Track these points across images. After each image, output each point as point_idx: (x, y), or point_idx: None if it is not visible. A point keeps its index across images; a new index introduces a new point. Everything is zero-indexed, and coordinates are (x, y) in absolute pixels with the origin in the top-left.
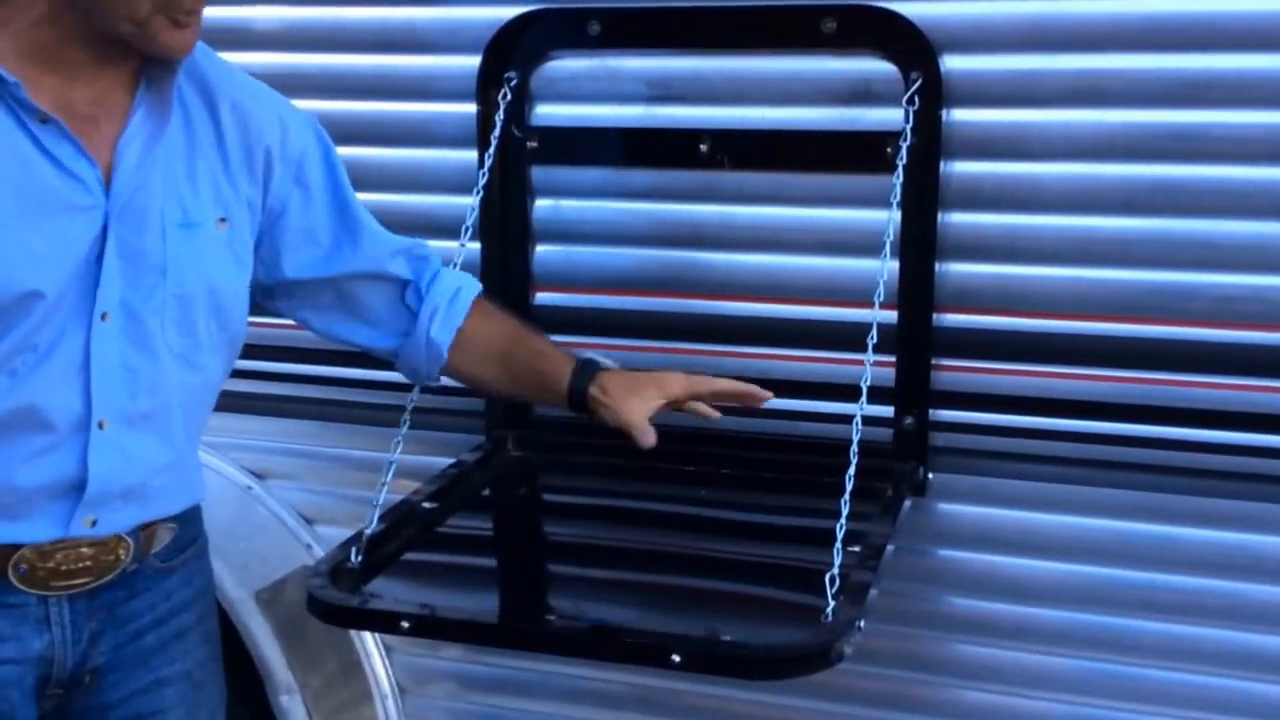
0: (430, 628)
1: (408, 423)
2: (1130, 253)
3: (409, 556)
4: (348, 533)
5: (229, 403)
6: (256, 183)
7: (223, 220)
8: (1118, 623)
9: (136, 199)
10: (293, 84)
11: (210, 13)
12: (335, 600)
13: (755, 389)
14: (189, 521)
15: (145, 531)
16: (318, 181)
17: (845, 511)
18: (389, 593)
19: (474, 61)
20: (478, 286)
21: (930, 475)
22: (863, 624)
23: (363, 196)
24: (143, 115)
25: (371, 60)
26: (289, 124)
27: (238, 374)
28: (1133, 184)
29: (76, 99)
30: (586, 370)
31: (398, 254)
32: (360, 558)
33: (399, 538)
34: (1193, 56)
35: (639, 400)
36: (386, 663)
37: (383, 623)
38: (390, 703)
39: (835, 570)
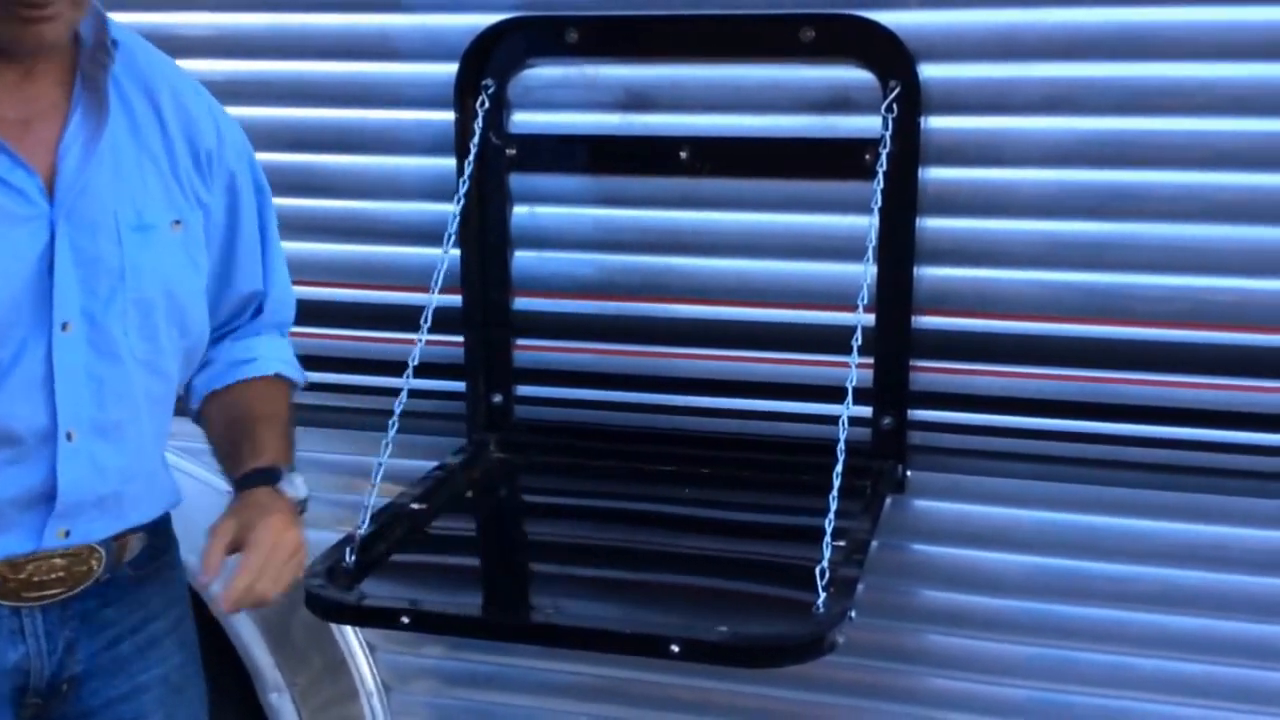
0: (430, 623)
1: (396, 426)
2: (1101, 256)
3: (398, 557)
4: (333, 536)
5: None
6: (204, 182)
7: (177, 222)
8: (1088, 613)
9: (84, 203)
10: (269, 91)
11: (188, 19)
12: (334, 598)
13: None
14: (161, 529)
15: (118, 541)
16: (245, 201)
17: (833, 508)
18: (381, 592)
19: (451, 69)
20: (267, 369)
21: (909, 473)
22: (854, 614)
23: (338, 204)
24: (81, 116)
25: (348, 68)
26: (225, 132)
27: None
28: (1103, 189)
29: (3, 106)
30: (252, 480)
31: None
32: (354, 557)
33: (389, 538)
34: (1160, 65)
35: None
36: (371, 661)
37: (382, 619)
38: (375, 700)
39: (824, 564)
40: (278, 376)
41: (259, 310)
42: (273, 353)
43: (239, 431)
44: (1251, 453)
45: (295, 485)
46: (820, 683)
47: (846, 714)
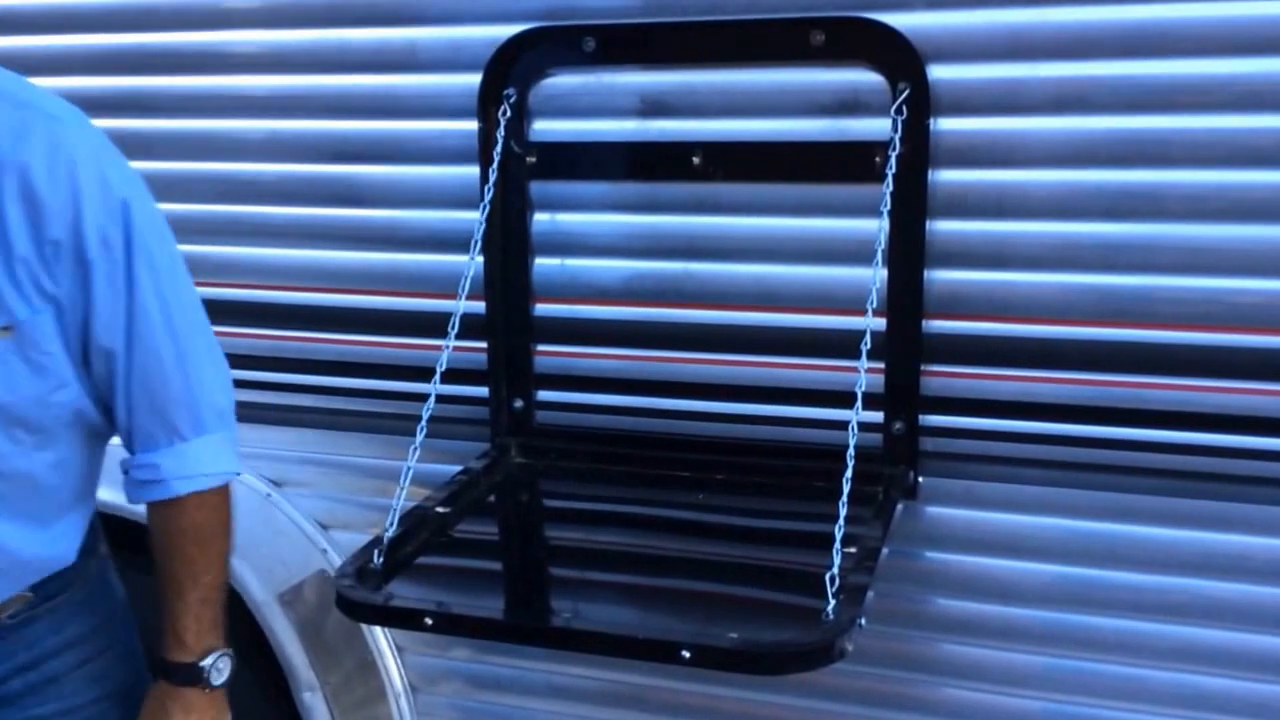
0: (451, 625)
1: (424, 431)
2: (1113, 258)
3: (423, 559)
4: (360, 537)
5: (250, 414)
6: (50, 274)
7: (6, 329)
8: (1102, 623)
9: None
10: (299, 104)
11: (232, 36)
12: (362, 599)
13: None
14: (54, 580)
15: None
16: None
17: (843, 514)
18: (407, 593)
19: (474, 79)
20: (174, 491)
21: (920, 479)
22: (863, 622)
23: (368, 213)
24: None
25: (374, 80)
26: (87, 216)
27: (257, 386)
28: (1116, 189)
29: None
30: (173, 675)
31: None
32: (382, 559)
33: (415, 541)
34: (1171, 63)
35: None
36: (399, 662)
37: (407, 620)
38: (404, 700)
39: (835, 570)
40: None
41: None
42: (181, 466)
43: (159, 589)
44: (1272, 459)
45: (219, 672)
46: (831, 691)
47: None
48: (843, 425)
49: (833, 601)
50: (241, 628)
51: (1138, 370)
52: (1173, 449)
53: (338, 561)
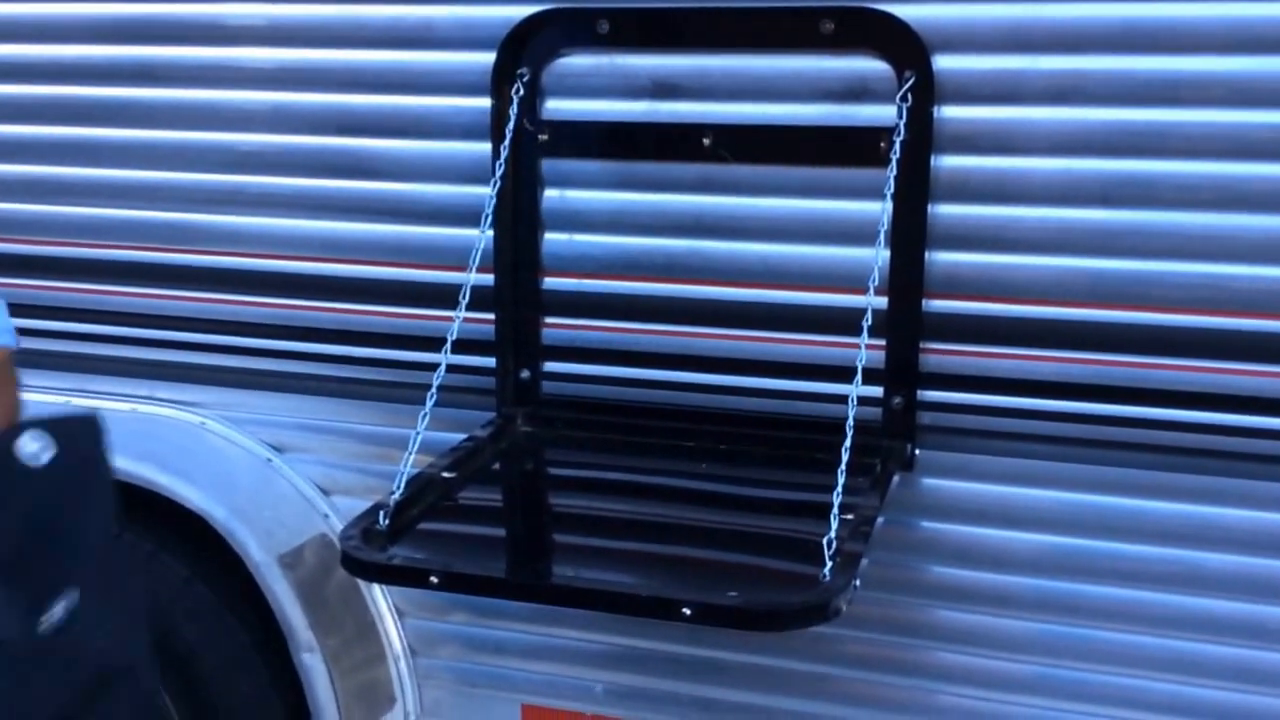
0: (457, 583)
1: (434, 398)
2: (1107, 242)
3: (427, 524)
4: (361, 503)
5: (250, 380)
6: None
7: None
8: (1093, 590)
9: None
10: (316, 79)
11: (241, 9)
12: (368, 559)
13: None
14: None
15: None
16: None
17: (840, 484)
18: (411, 554)
19: (488, 58)
20: None
21: (917, 452)
22: (858, 584)
23: (379, 186)
24: None
25: (390, 56)
26: None
27: (258, 353)
28: (1111, 177)
29: None
30: None
31: None
32: (388, 521)
33: (419, 505)
34: (1166, 58)
35: None
36: (399, 625)
37: (413, 578)
38: (403, 663)
39: (831, 536)
40: None
41: None
42: None
43: None
44: (1258, 436)
45: None
46: (830, 655)
47: (856, 686)
48: (843, 399)
49: (829, 564)
50: (240, 589)
51: (1129, 350)
52: (1162, 425)
53: (338, 526)
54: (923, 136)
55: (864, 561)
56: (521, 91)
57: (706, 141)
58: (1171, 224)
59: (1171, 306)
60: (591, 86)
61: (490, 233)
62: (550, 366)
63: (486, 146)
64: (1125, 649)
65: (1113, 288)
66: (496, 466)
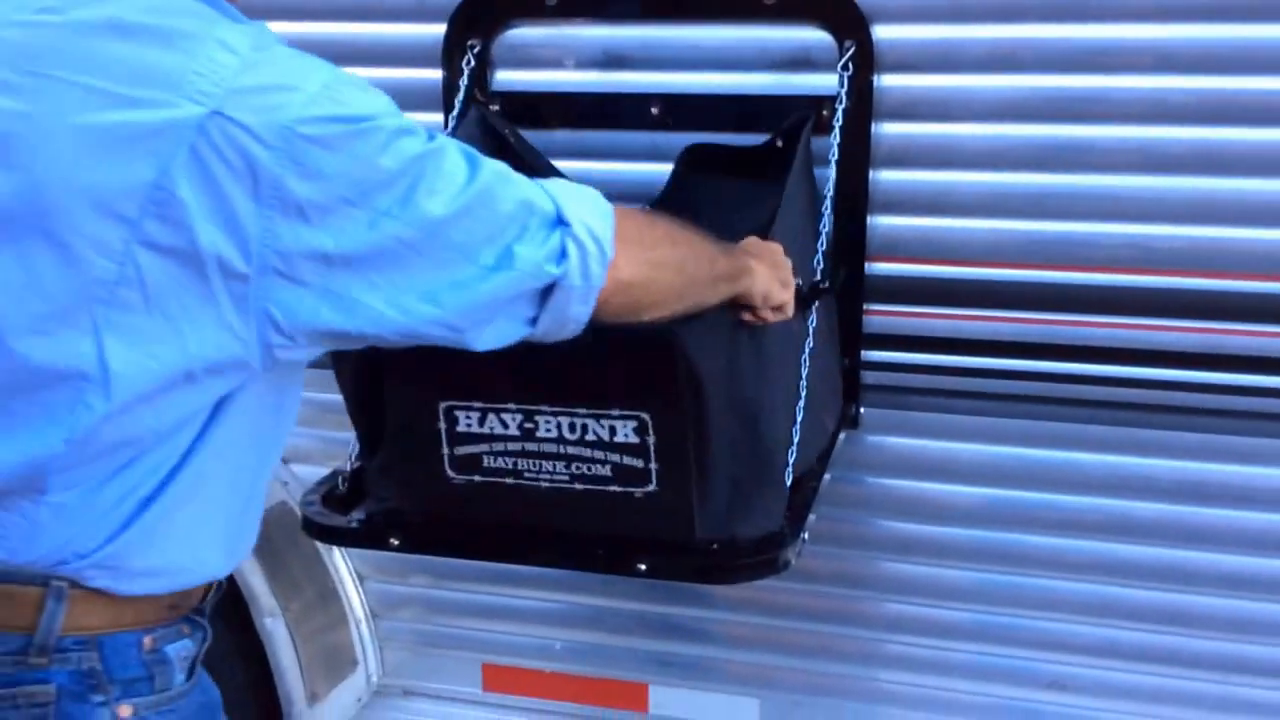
0: (419, 544)
1: None
2: (1042, 206)
3: None
4: (321, 470)
5: None
6: None
7: None
8: (1029, 540)
9: None
10: None
11: None
12: (329, 522)
13: None
14: None
15: None
16: None
17: (795, 440)
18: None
19: (439, 30)
20: None
21: (862, 410)
22: (806, 537)
23: None
24: None
25: (340, 28)
26: None
27: None
28: (1046, 143)
29: None
30: None
31: None
32: (346, 485)
33: None
34: (1099, 27)
35: None
36: (360, 589)
37: (373, 540)
38: (364, 626)
39: (786, 490)
40: None
41: None
42: None
43: None
44: (1184, 390)
45: None
46: (780, 608)
47: (805, 637)
48: None
49: (782, 520)
50: None
51: (1063, 309)
52: (1094, 381)
53: (298, 494)
54: (863, 104)
55: (811, 517)
56: (472, 63)
57: (655, 111)
58: (1104, 187)
59: (1103, 266)
60: (541, 58)
61: None
62: None
63: (438, 118)
64: (1061, 595)
65: (1047, 249)
66: None
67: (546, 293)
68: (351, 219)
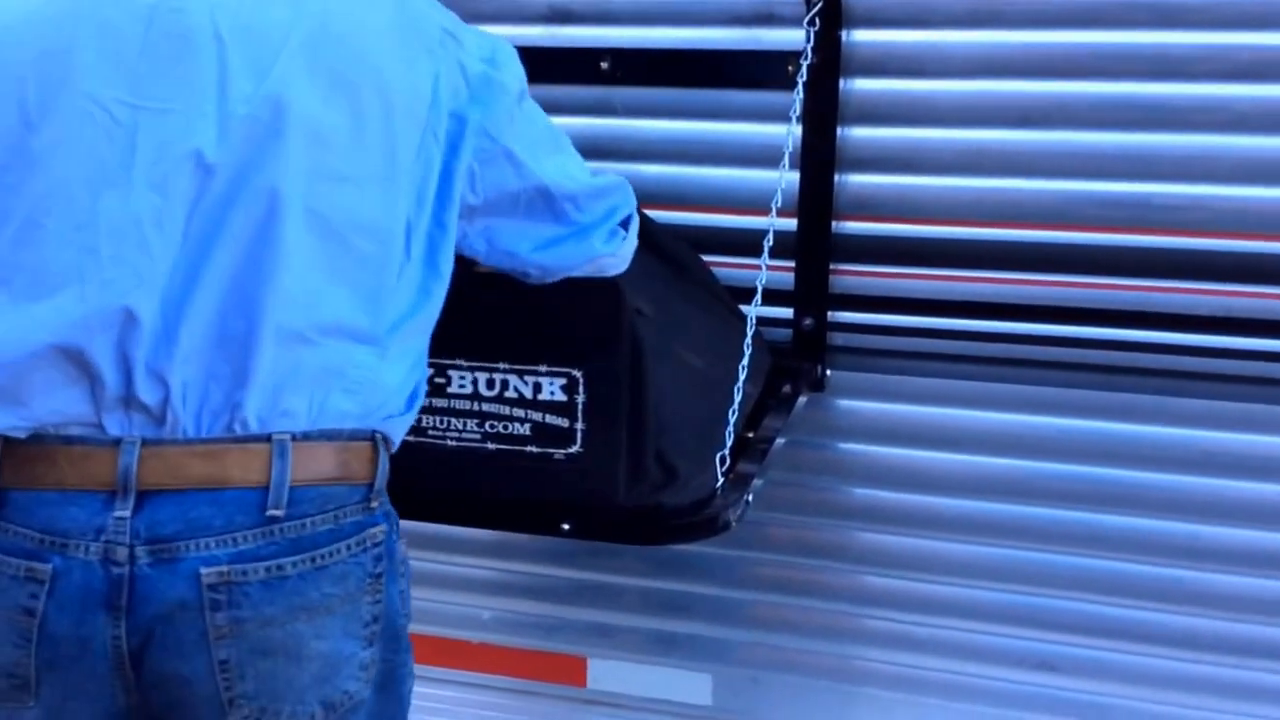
0: None
1: None
2: (1016, 163)
3: None
4: None
5: None
6: None
7: None
8: (999, 508)
9: None
10: None
11: None
12: None
13: None
14: None
15: None
16: None
17: (737, 401)
18: None
19: None
20: None
21: (829, 372)
22: (750, 499)
23: None
24: None
25: None
26: None
27: None
28: (1018, 99)
29: None
30: None
31: None
32: None
33: None
34: None
35: None
36: None
37: None
38: None
39: (725, 452)
40: None
41: None
42: None
43: None
44: (1162, 352)
45: None
46: (741, 579)
47: (764, 609)
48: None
49: (720, 480)
50: None
51: (1038, 269)
52: (1069, 343)
53: None
54: (830, 60)
55: (757, 481)
56: None
57: (604, 65)
58: (1077, 143)
59: (1079, 225)
60: (487, 11)
61: None
62: None
63: None
64: (1035, 566)
65: (1021, 208)
66: None
67: None
68: None
